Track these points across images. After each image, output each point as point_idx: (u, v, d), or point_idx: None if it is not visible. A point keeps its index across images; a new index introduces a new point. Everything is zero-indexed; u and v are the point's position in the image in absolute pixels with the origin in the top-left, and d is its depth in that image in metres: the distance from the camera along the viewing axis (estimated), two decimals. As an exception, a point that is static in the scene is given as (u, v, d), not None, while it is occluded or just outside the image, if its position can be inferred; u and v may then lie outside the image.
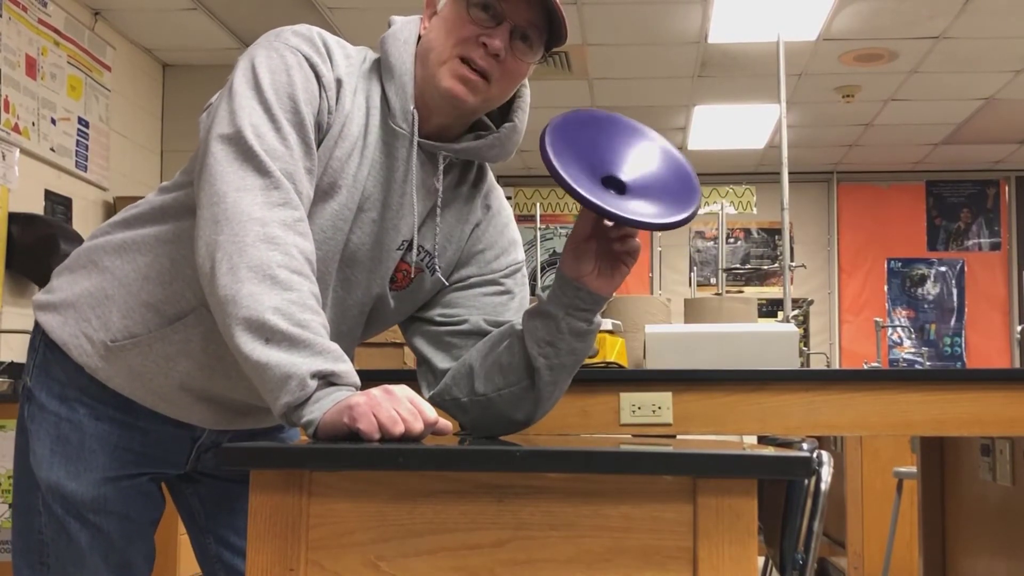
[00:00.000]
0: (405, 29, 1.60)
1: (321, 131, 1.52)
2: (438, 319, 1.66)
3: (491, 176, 1.72)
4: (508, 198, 10.14)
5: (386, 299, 1.63)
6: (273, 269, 1.34)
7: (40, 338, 1.65)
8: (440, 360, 1.65)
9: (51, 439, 1.60)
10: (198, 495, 1.76)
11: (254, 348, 1.31)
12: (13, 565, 1.65)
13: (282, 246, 1.36)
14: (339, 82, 1.54)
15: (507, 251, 1.70)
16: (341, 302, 1.60)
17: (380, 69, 1.59)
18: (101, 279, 1.61)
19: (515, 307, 1.68)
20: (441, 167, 1.59)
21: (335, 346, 1.34)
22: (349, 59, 1.58)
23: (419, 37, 1.60)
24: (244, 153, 1.41)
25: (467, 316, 1.65)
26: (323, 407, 1.29)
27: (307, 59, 1.51)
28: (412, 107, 1.55)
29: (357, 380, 1.34)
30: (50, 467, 1.60)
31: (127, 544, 1.64)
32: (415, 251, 1.61)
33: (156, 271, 1.58)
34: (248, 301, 1.32)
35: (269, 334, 1.30)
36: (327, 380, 1.31)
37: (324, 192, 1.52)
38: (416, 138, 1.56)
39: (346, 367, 1.33)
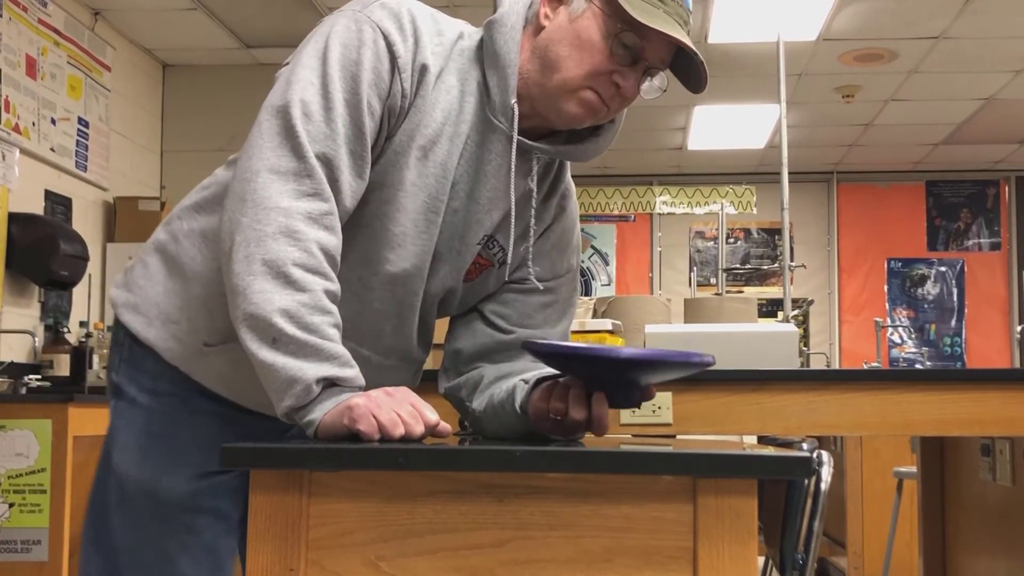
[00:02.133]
0: (512, 13, 1.52)
1: (394, 116, 1.46)
2: (489, 317, 1.63)
3: (569, 175, 1.67)
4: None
5: (456, 292, 1.60)
6: (288, 267, 1.32)
7: (125, 334, 1.59)
8: (469, 358, 1.63)
9: (143, 434, 1.55)
10: None
11: (260, 348, 1.31)
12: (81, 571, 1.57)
13: (302, 242, 1.34)
14: (424, 67, 1.47)
15: (571, 256, 1.68)
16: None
17: (481, 52, 1.52)
18: (183, 276, 1.55)
19: (557, 314, 1.66)
20: (536, 167, 1.55)
21: (342, 350, 1.33)
22: (441, 37, 1.51)
23: (527, 20, 1.52)
24: (286, 130, 1.39)
25: (517, 327, 1.62)
26: (324, 408, 1.29)
27: (386, 37, 1.45)
28: (513, 101, 1.50)
29: (362, 383, 1.34)
30: (141, 463, 1.54)
31: (216, 540, 1.58)
32: (494, 245, 1.57)
33: None
34: (258, 298, 1.31)
35: (276, 335, 1.30)
36: (331, 383, 1.31)
37: (412, 184, 1.48)
38: (516, 135, 1.50)
39: (352, 372, 1.32)
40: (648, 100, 1.56)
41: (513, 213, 1.56)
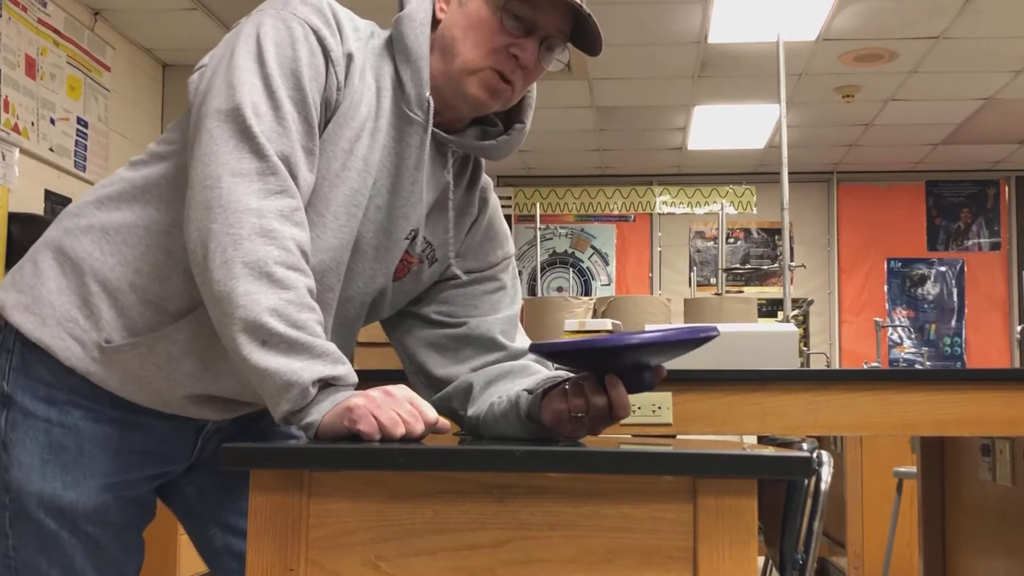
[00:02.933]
0: (420, 9, 1.54)
1: (330, 108, 1.46)
2: (435, 317, 1.64)
3: (484, 173, 1.70)
4: (507, 198, 9.93)
5: (387, 291, 1.60)
6: (269, 266, 1.30)
7: (15, 338, 1.51)
8: (436, 366, 1.63)
9: (41, 447, 1.49)
10: (195, 484, 1.66)
11: (252, 351, 1.28)
12: None
13: (279, 240, 1.32)
14: (349, 56, 1.48)
15: (502, 244, 1.70)
16: (342, 293, 1.54)
17: (392, 49, 1.53)
18: (79, 271, 1.50)
19: (508, 300, 1.67)
20: (451, 160, 1.57)
21: (332, 347, 1.32)
22: (357, 32, 1.52)
23: (433, 17, 1.54)
24: (242, 132, 1.36)
25: (466, 317, 1.63)
26: (322, 409, 1.28)
27: (315, 31, 1.45)
28: (427, 94, 1.51)
29: (355, 380, 1.33)
30: (43, 478, 1.48)
31: (123, 555, 1.56)
32: (420, 241, 1.58)
33: (150, 264, 1.49)
34: (244, 300, 1.28)
35: (266, 336, 1.28)
36: (326, 383, 1.30)
37: (336, 175, 1.47)
38: (431, 127, 1.52)
39: (345, 369, 1.31)
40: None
41: (430, 205, 1.57)
